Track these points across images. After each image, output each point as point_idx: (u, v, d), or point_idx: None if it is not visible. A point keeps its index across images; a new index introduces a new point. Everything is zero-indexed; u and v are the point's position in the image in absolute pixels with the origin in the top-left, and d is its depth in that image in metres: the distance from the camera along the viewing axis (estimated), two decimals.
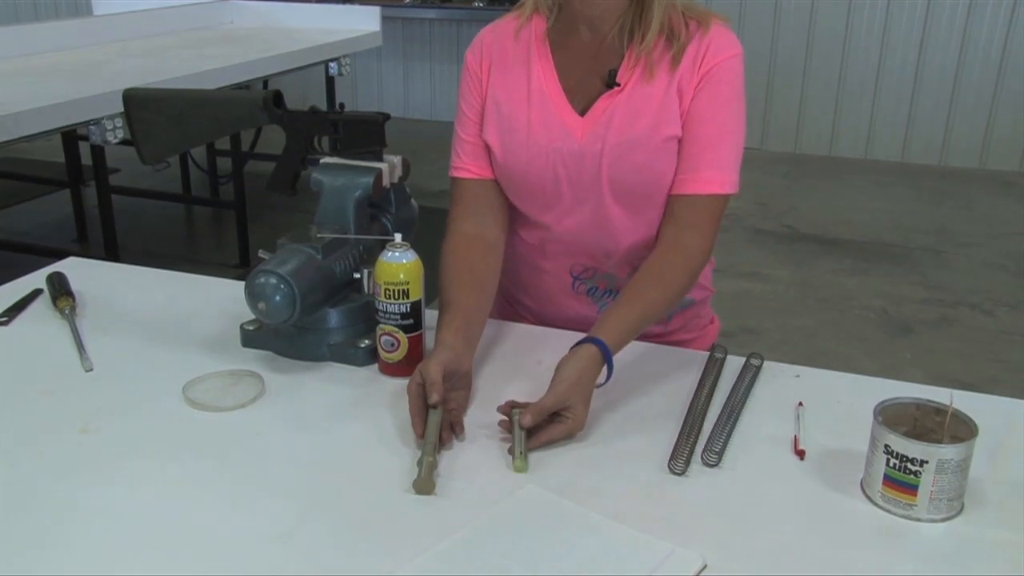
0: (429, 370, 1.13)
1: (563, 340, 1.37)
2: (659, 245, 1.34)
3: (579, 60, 1.35)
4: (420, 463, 1.03)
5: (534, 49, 1.37)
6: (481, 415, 1.17)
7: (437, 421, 1.10)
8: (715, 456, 1.08)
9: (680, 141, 1.32)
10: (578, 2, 1.32)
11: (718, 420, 1.16)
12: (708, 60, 1.30)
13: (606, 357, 1.17)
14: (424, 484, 1.01)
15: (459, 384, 1.18)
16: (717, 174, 1.31)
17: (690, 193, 1.32)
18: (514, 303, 1.56)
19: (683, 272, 1.31)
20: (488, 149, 1.39)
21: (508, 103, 1.37)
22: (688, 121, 1.31)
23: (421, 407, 1.12)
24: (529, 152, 1.35)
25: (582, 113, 1.34)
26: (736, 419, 1.17)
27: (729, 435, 1.13)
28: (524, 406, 1.11)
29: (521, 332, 1.41)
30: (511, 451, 1.08)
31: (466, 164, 1.41)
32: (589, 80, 1.34)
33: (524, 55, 1.37)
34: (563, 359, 1.16)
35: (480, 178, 1.40)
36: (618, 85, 1.32)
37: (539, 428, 1.10)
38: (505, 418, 1.13)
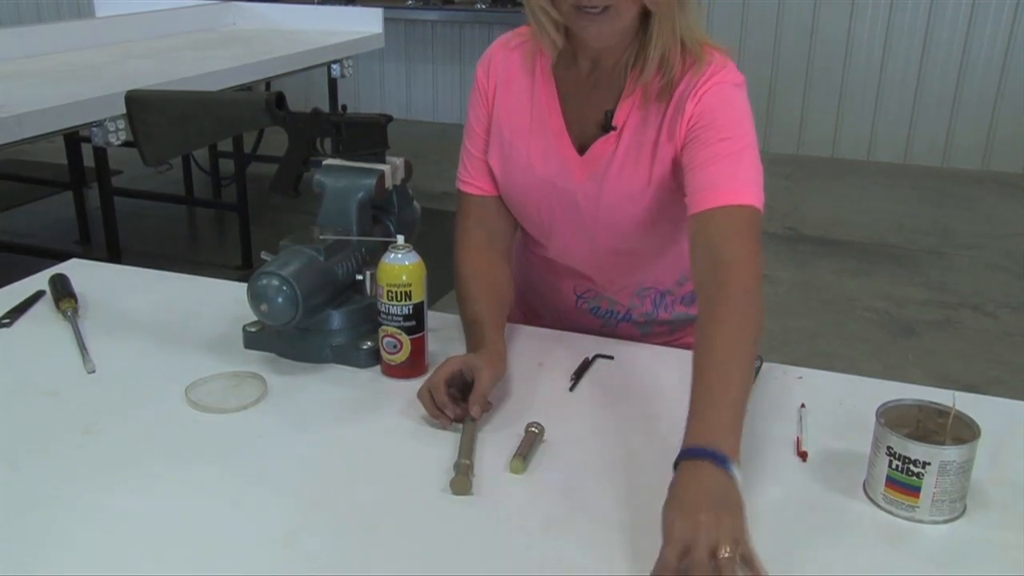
0: (483, 384, 1.14)
1: (565, 342, 1.38)
2: (697, 285, 1.17)
3: (579, 91, 1.31)
4: (457, 467, 1.04)
5: (539, 77, 1.34)
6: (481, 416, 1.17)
7: (472, 425, 1.12)
8: None
9: (683, 173, 1.23)
10: (582, 37, 1.24)
11: None
12: (702, 99, 1.22)
13: (720, 462, 0.94)
14: (460, 484, 1.02)
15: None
16: (742, 185, 1.17)
17: (712, 207, 1.16)
18: (529, 312, 1.56)
19: (736, 298, 1.09)
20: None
21: (510, 128, 1.35)
22: (692, 159, 1.21)
23: (450, 404, 1.14)
24: (527, 181, 1.34)
25: (580, 151, 1.31)
26: None
27: None
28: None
29: (524, 333, 1.41)
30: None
31: (474, 180, 1.39)
32: (588, 115, 1.30)
33: (528, 82, 1.34)
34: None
35: (487, 195, 1.39)
36: (615, 128, 1.28)
37: None
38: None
